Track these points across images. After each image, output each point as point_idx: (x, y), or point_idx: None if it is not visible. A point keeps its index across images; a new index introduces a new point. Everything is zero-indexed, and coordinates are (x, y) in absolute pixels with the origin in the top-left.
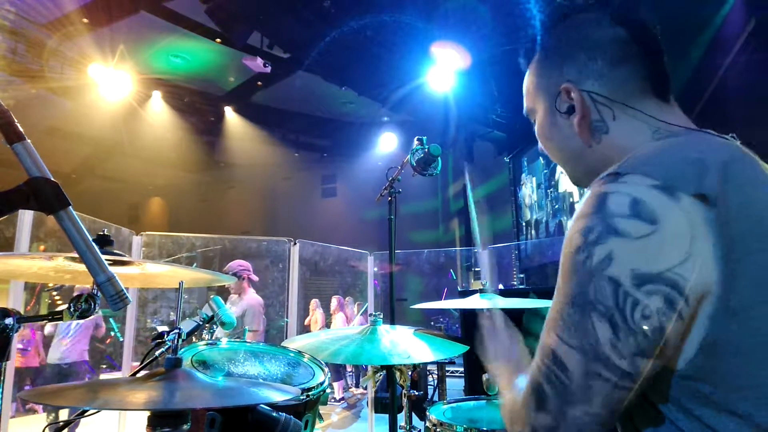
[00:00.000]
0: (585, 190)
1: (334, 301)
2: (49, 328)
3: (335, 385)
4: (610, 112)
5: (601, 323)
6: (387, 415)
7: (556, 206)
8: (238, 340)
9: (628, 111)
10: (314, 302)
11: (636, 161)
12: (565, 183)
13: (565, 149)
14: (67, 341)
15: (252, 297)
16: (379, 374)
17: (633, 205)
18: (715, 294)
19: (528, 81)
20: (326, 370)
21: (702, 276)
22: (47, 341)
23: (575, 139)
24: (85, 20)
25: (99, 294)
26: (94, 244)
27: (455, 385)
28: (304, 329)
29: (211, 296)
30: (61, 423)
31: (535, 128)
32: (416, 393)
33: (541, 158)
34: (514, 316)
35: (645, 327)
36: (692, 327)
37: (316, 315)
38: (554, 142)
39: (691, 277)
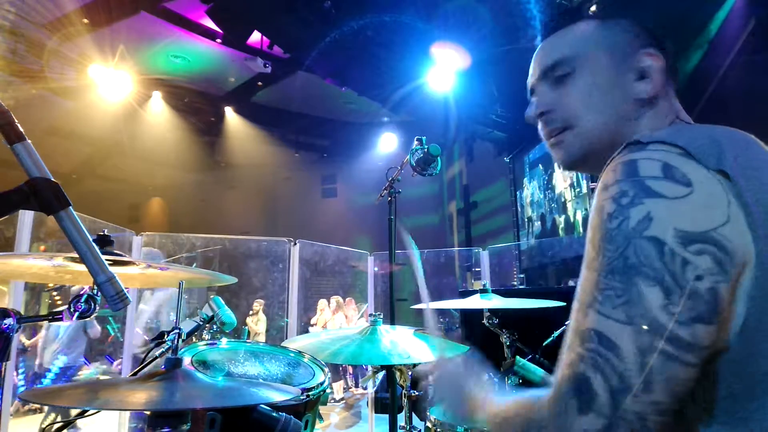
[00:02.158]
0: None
1: (333, 302)
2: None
3: (335, 385)
4: (663, 93)
5: (650, 287)
6: (387, 415)
7: (553, 205)
8: (237, 339)
9: (667, 98)
10: (322, 302)
11: (657, 134)
12: (559, 185)
13: (606, 112)
14: (57, 346)
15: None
16: (379, 374)
17: (665, 168)
18: (753, 268)
19: (581, 34)
20: (326, 370)
21: (743, 242)
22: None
23: (624, 106)
24: (85, 20)
25: (99, 294)
26: (94, 244)
27: None
28: (309, 329)
29: (212, 296)
30: (61, 423)
31: (564, 86)
32: (416, 393)
33: (540, 165)
34: (514, 316)
35: (700, 288)
36: (737, 300)
37: (324, 316)
38: (598, 100)
39: (734, 240)
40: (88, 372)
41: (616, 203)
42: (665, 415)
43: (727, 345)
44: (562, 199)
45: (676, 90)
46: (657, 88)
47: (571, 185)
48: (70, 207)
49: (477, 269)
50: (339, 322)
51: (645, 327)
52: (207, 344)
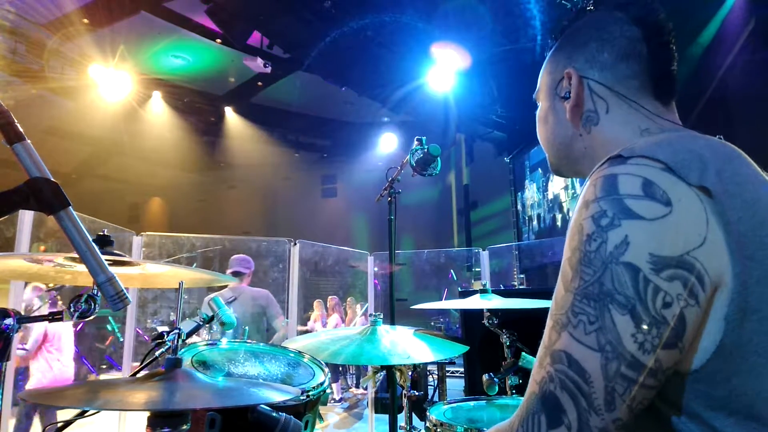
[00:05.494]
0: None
1: (331, 302)
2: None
3: (334, 386)
4: (605, 105)
5: (621, 316)
6: (387, 416)
7: (551, 204)
8: (238, 340)
9: (623, 105)
10: (318, 303)
11: (638, 147)
12: (554, 187)
13: (556, 134)
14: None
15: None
16: (379, 374)
17: (645, 185)
18: (730, 290)
19: (544, 64)
20: (326, 370)
21: (718, 263)
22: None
23: (567, 124)
24: (86, 20)
25: (99, 294)
26: (94, 244)
27: (455, 385)
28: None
29: (211, 296)
30: (61, 423)
31: (537, 110)
32: (416, 393)
33: (540, 169)
34: (514, 316)
35: (667, 316)
36: (708, 321)
37: (319, 317)
38: (549, 125)
39: (708, 262)
40: None
41: (595, 224)
42: (625, 428)
43: (699, 364)
44: (559, 200)
45: (657, 91)
46: (579, 104)
47: (565, 188)
48: (70, 207)
49: (477, 269)
50: (333, 323)
51: (613, 355)
52: (207, 344)
